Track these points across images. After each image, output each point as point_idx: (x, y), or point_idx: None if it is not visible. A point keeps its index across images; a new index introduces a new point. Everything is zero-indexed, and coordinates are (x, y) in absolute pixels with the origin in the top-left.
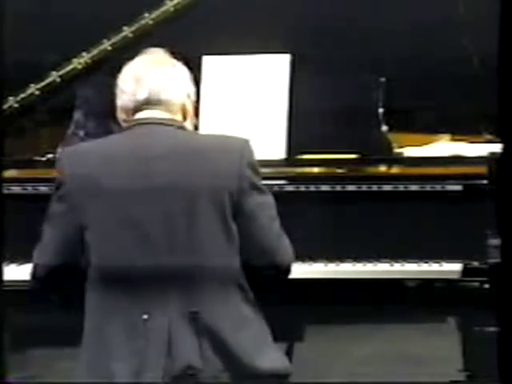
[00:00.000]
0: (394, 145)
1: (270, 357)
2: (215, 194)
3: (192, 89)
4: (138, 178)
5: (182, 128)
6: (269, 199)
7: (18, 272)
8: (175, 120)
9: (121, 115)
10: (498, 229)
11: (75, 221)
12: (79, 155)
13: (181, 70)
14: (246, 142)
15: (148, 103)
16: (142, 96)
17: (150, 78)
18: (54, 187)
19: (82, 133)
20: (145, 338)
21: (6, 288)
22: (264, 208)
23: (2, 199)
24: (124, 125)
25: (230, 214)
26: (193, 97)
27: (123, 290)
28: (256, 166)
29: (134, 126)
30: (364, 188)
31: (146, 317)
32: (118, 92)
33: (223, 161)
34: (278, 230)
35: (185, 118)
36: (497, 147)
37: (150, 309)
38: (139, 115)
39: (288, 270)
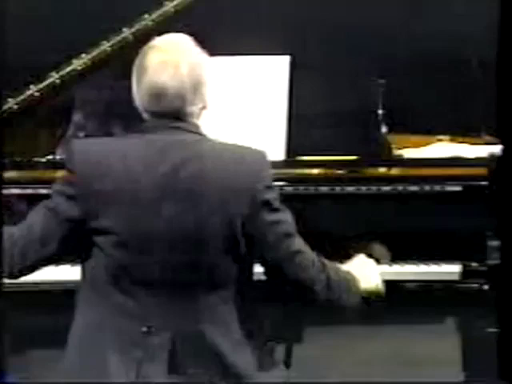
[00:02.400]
0: (394, 146)
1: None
2: (227, 210)
3: (208, 79)
4: (154, 187)
5: (199, 133)
6: (280, 216)
7: None
8: (194, 124)
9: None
10: (497, 230)
11: (86, 225)
12: (95, 156)
13: (200, 67)
14: (264, 156)
15: (166, 117)
16: (155, 109)
17: (166, 93)
18: (62, 182)
19: (81, 134)
20: (143, 351)
21: (6, 289)
22: (274, 227)
23: (1, 200)
24: (144, 115)
25: (240, 229)
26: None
27: (129, 297)
28: (271, 181)
29: (151, 128)
30: (363, 189)
31: (145, 329)
32: (134, 84)
33: (240, 175)
34: (288, 248)
35: (200, 113)
36: (496, 148)
37: (151, 321)
38: (157, 118)
39: (305, 284)
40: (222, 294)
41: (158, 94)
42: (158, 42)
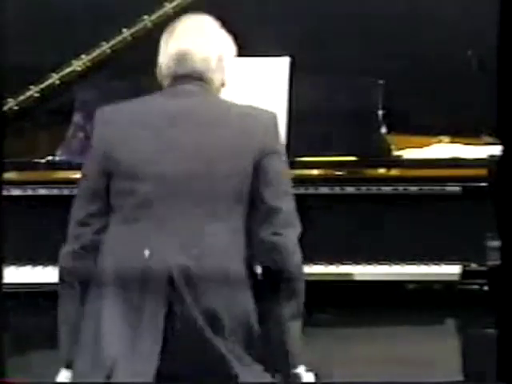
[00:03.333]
0: (393, 147)
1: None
2: (236, 162)
3: (231, 53)
4: (163, 140)
5: (213, 95)
6: (285, 167)
7: (17, 274)
8: (209, 87)
9: (159, 72)
10: (498, 230)
11: (103, 172)
12: (111, 115)
13: (225, 43)
14: (274, 115)
15: (186, 77)
16: (181, 71)
17: (193, 56)
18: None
19: (81, 135)
20: (142, 276)
21: (6, 290)
22: (277, 172)
23: (1, 201)
24: (165, 83)
25: (248, 180)
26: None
27: (136, 227)
28: (279, 140)
29: (169, 87)
30: (363, 190)
31: (147, 253)
32: (161, 51)
33: (248, 131)
34: (286, 193)
35: (220, 89)
36: (496, 149)
37: (151, 248)
38: (175, 79)
39: (279, 241)
40: (224, 228)
41: (184, 56)
42: (186, 16)
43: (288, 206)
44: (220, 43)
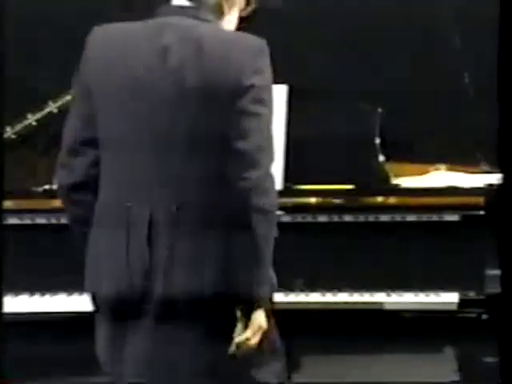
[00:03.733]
0: (391, 175)
1: None
2: (217, 90)
3: None
4: (147, 68)
5: (207, 21)
6: (261, 110)
7: (15, 303)
8: (202, 13)
9: None
10: (498, 259)
11: (87, 103)
12: (103, 37)
13: None
14: (262, 43)
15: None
16: None
17: None
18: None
19: None
20: (127, 225)
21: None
22: (251, 117)
23: (1, 229)
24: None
25: (228, 110)
26: None
27: (119, 162)
28: (264, 68)
29: (160, 14)
30: (361, 218)
31: (129, 204)
32: None
33: (231, 57)
34: (256, 142)
35: (219, 15)
36: (493, 178)
37: (134, 198)
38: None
39: (247, 186)
40: (204, 172)
41: None
42: None
43: (252, 145)
44: None
